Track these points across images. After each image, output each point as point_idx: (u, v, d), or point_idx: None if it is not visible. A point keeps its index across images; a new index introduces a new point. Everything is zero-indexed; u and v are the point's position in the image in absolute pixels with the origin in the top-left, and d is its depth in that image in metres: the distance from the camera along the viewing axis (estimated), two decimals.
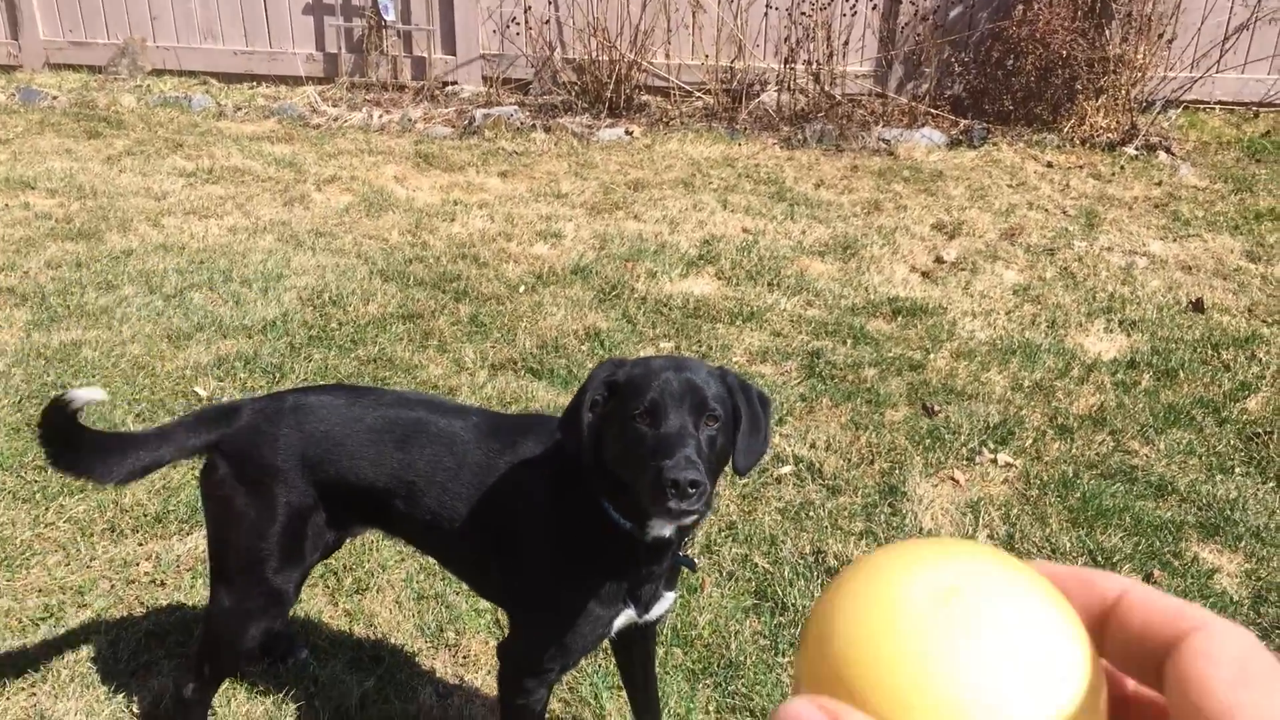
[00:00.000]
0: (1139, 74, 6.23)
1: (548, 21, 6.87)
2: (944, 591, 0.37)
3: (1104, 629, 0.40)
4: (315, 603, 2.55)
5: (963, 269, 4.66)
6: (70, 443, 1.91)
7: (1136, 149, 6.11)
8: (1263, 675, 0.37)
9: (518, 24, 6.91)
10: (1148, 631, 0.39)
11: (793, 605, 2.63)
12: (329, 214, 5.09)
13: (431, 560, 2.54)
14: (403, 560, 2.70)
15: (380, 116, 6.68)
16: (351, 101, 6.94)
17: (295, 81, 7.32)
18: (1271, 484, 3.27)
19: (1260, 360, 3.96)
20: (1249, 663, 0.37)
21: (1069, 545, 2.95)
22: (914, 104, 6.60)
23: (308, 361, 3.71)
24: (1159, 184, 5.73)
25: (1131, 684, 0.42)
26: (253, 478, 1.86)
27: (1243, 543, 3.01)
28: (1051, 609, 0.37)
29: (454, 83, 7.14)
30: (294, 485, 1.84)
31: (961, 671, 0.35)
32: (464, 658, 2.41)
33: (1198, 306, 4.37)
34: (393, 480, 1.83)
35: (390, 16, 7.04)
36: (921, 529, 2.99)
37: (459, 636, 2.45)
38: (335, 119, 6.65)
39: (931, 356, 3.93)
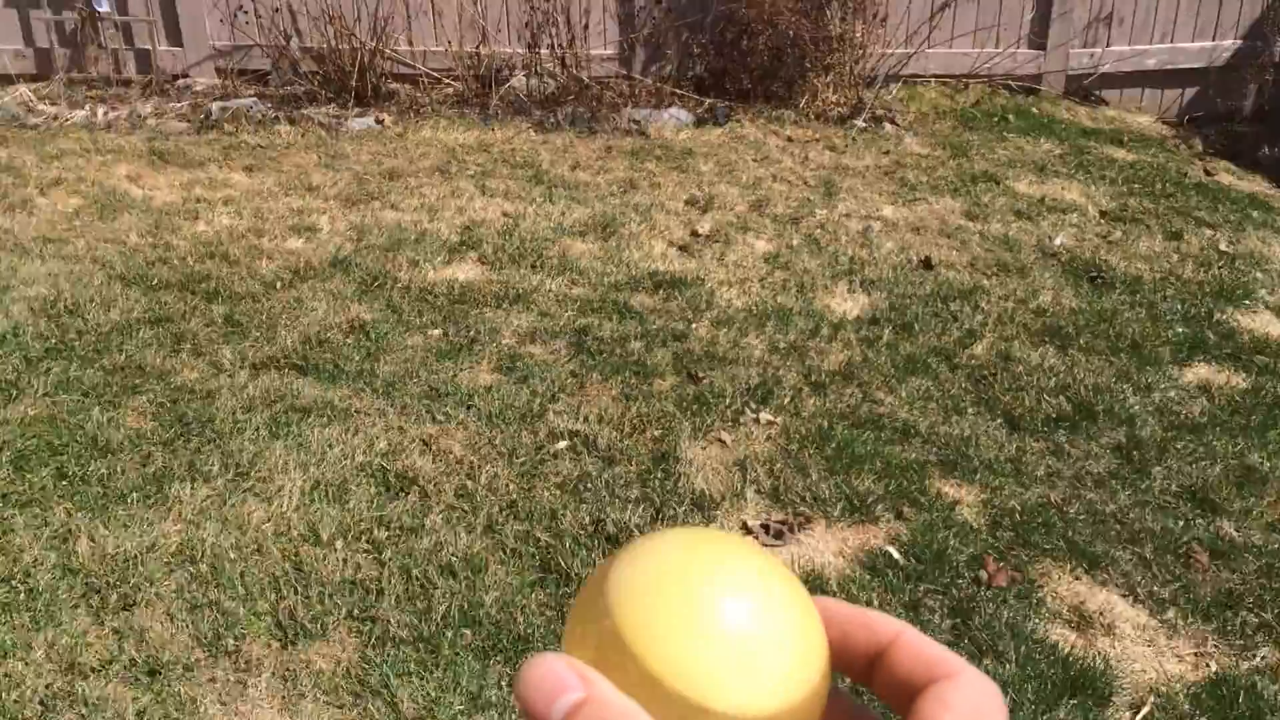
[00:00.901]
0: (860, 51, 6.65)
1: (279, 9, 6.62)
2: (734, 633, 0.41)
3: (876, 667, 0.44)
4: (78, 623, 2.40)
5: (717, 241, 4.85)
6: None
7: (865, 121, 6.54)
8: None
9: (246, 13, 6.62)
10: (911, 676, 0.42)
11: (577, 575, 2.69)
12: (57, 219, 4.74)
13: (205, 566, 2.45)
14: (172, 571, 2.58)
15: (106, 114, 6.25)
16: (71, 99, 6.45)
17: (5, 80, 6.73)
18: (999, 420, 3.60)
19: (983, 309, 4.34)
20: (981, 715, 0.40)
21: (828, 492, 3.16)
22: (660, 85, 6.79)
23: (47, 375, 3.46)
24: (887, 153, 6.15)
25: None
26: None
27: (978, 475, 3.31)
28: (804, 639, 0.43)
29: (185, 75, 6.77)
30: None
31: (718, 658, 0.40)
32: (246, 663, 2.34)
33: (927, 264, 4.73)
34: None
35: (104, 8, 6.58)
36: (694, 490, 3.12)
37: (239, 642, 2.37)
38: (55, 118, 6.17)
39: (694, 326, 4.09)
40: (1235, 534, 3.04)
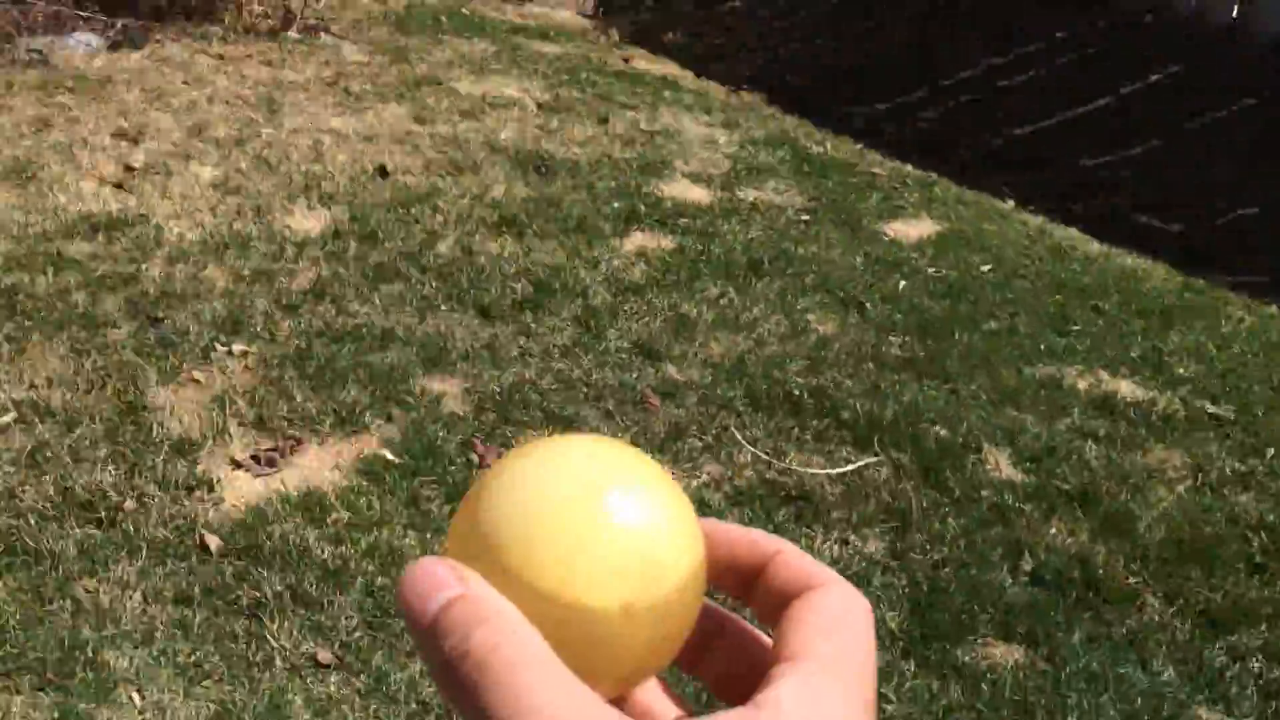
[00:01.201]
0: None
1: None
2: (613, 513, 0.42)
3: (756, 582, 0.45)
4: None
5: (156, 173, 4.52)
6: None
7: (299, 33, 6.34)
8: (849, 634, 0.42)
9: None
10: (787, 587, 0.44)
11: (50, 551, 2.48)
12: None
13: None
14: None
15: None
16: None
17: None
18: (472, 312, 3.79)
19: (442, 210, 4.48)
20: (843, 621, 0.43)
21: (315, 410, 3.16)
22: (59, 8, 6.08)
23: None
24: (327, 64, 6.03)
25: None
26: None
27: (458, 367, 3.47)
28: (680, 539, 0.43)
29: None
30: None
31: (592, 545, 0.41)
32: None
33: (383, 172, 4.77)
34: None
35: None
36: (171, 435, 2.97)
37: None
38: None
39: (144, 267, 3.82)
40: (678, 375, 3.49)
